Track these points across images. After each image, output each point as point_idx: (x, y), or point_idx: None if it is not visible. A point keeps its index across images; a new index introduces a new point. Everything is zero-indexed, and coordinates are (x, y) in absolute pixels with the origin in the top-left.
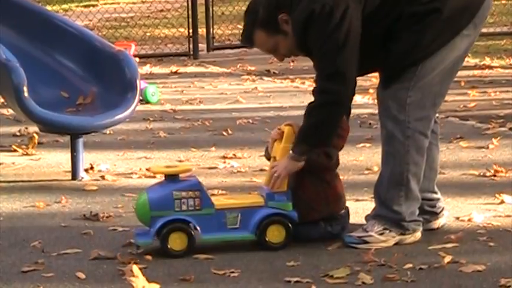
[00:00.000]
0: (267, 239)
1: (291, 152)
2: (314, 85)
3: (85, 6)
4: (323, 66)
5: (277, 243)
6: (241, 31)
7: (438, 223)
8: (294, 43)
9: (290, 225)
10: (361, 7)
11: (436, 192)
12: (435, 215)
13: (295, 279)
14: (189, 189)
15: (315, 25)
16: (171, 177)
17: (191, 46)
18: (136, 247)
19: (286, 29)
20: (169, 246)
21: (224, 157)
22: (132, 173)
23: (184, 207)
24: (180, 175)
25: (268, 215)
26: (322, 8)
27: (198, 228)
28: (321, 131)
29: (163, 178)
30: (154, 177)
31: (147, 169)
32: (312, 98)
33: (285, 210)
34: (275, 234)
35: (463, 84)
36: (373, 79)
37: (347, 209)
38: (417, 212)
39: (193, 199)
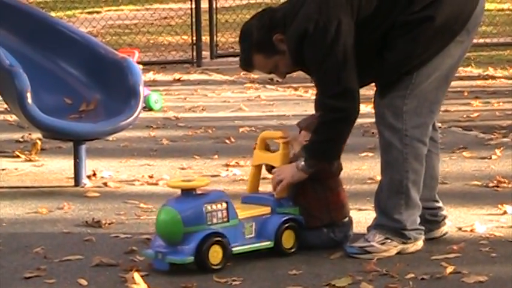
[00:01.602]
0: (282, 245)
1: (301, 163)
2: (320, 101)
3: (89, 13)
4: (327, 85)
5: (289, 248)
6: (239, 56)
7: (440, 232)
8: (290, 60)
9: (300, 229)
10: (353, 20)
11: (437, 201)
12: (437, 223)
13: None
14: (217, 201)
15: (311, 44)
16: (188, 191)
17: (194, 53)
18: (166, 265)
19: (283, 48)
20: (209, 261)
21: (227, 165)
22: (134, 180)
23: (214, 220)
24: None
25: (284, 221)
26: (315, 26)
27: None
28: (331, 147)
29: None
30: (156, 184)
31: (149, 176)
32: (312, 108)
33: (294, 215)
34: (287, 239)
35: (466, 94)
36: None
37: (350, 217)
38: (418, 220)
39: (221, 211)
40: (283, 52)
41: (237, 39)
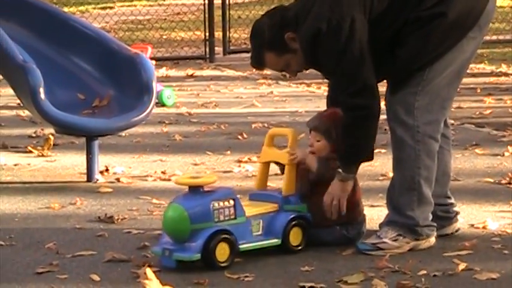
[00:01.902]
0: (289, 243)
1: (341, 174)
2: (341, 101)
3: (102, 8)
4: (347, 83)
5: (296, 245)
6: (250, 55)
7: (452, 228)
8: (303, 58)
9: (307, 226)
10: (366, 17)
11: (449, 197)
12: (449, 220)
13: (310, 284)
14: (225, 199)
15: (325, 43)
16: (196, 188)
17: (207, 49)
18: (173, 262)
19: (295, 46)
20: (216, 258)
21: (239, 161)
22: (147, 176)
23: (222, 218)
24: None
25: (292, 219)
26: (328, 25)
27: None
28: (363, 146)
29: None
30: (169, 180)
31: (162, 172)
32: (324, 104)
33: (302, 212)
34: (295, 236)
35: (479, 91)
36: None
37: (364, 215)
38: (430, 217)
39: (228, 208)
40: (294, 51)
41: (251, 30)
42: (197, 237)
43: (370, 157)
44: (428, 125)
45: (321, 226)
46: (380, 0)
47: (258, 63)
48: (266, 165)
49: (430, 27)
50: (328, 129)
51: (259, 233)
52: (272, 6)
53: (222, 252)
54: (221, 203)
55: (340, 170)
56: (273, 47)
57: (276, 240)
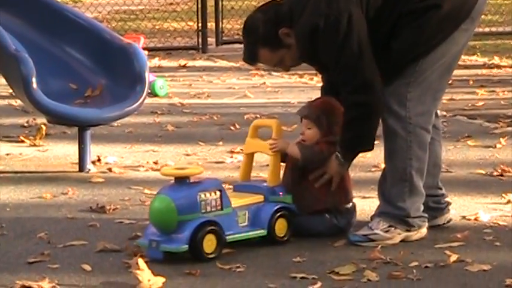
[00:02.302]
0: (275, 233)
1: (340, 159)
2: (343, 98)
3: None
4: (347, 79)
5: (282, 236)
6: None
7: (444, 219)
8: (298, 54)
9: (292, 217)
10: (363, 12)
11: (440, 188)
12: (441, 210)
13: (301, 275)
14: (211, 190)
15: (324, 39)
16: (182, 179)
17: (200, 40)
18: (161, 253)
19: (289, 42)
20: (204, 250)
21: (231, 152)
22: (139, 166)
23: (208, 209)
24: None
25: (277, 210)
26: (326, 20)
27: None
28: (364, 139)
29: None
30: (160, 170)
31: (154, 162)
32: (317, 95)
33: (287, 203)
34: (280, 227)
35: (471, 83)
36: None
37: (354, 204)
38: (422, 207)
39: (214, 199)
40: (289, 46)
41: (243, 25)
42: (184, 228)
43: (370, 148)
44: (420, 116)
45: (311, 211)
46: None
47: (251, 59)
48: (250, 156)
49: (424, 19)
50: (318, 117)
51: (245, 224)
52: None
53: (210, 243)
54: (208, 194)
55: (338, 155)
56: (267, 43)
57: (261, 231)
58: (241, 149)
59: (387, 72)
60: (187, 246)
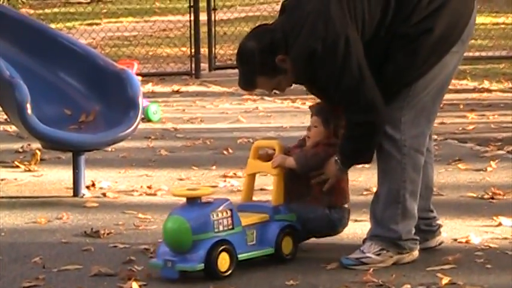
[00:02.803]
0: (282, 251)
1: (339, 165)
2: (346, 117)
3: (89, 25)
4: (350, 101)
5: (288, 254)
6: (238, 78)
7: (435, 241)
8: (294, 77)
9: (297, 235)
10: (359, 35)
11: (432, 211)
12: (432, 233)
13: None
14: (223, 209)
15: (322, 62)
16: (193, 200)
17: (193, 65)
18: (176, 273)
19: (286, 67)
20: (218, 268)
21: (224, 176)
22: (133, 191)
23: (221, 228)
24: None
25: (283, 228)
26: (324, 44)
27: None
28: (364, 153)
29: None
30: (154, 195)
31: (148, 187)
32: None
33: (292, 221)
34: (286, 245)
35: (462, 107)
36: None
37: (349, 206)
38: (413, 230)
39: (226, 219)
40: (285, 71)
41: (235, 51)
42: (199, 247)
43: (369, 160)
44: (414, 139)
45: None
46: (370, 17)
47: (249, 86)
48: (252, 177)
49: (417, 43)
50: (327, 118)
51: (253, 242)
52: (257, 23)
53: (223, 262)
54: (220, 214)
55: (338, 161)
56: (264, 71)
57: (269, 249)
58: (234, 173)
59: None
60: (203, 265)
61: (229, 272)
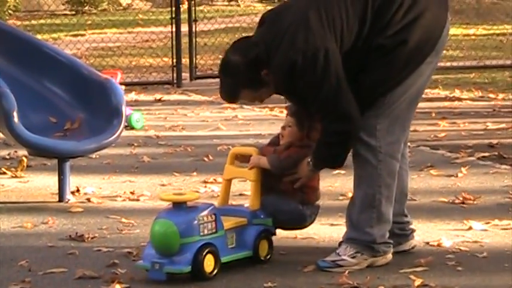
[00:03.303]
0: (259, 254)
1: (311, 166)
2: (323, 125)
3: (74, 36)
4: (327, 111)
5: (265, 256)
6: (219, 88)
7: (409, 245)
8: (275, 87)
9: (272, 239)
10: (338, 47)
11: (406, 216)
12: (405, 237)
13: None
14: (207, 214)
15: (302, 74)
16: (179, 204)
17: (175, 75)
18: (164, 275)
19: (268, 80)
20: (204, 270)
21: (205, 182)
22: (116, 196)
23: (206, 231)
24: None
25: (261, 232)
26: (304, 57)
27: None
28: (337, 158)
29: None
30: (137, 200)
31: (131, 192)
32: None
33: (268, 226)
34: (263, 248)
35: (433, 115)
36: None
37: (319, 203)
38: (387, 234)
39: (211, 223)
40: (268, 83)
41: (216, 61)
42: (186, 250)
43: (340, 165)
44: (389, 146)
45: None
46: (348, 29)
47: (232, 98)
48: (229, 182)
49: (393, 55)
50: (302, 120)
51: (233, 245)
52: (237, 34)
53: (209, 264)
54: (205, 218)
55: (310, 163)
56: (249, 85)
57: (248, 252)
58: (215, 179)
59: (357, 105)
60: (190, 267)
61: (214, 273)
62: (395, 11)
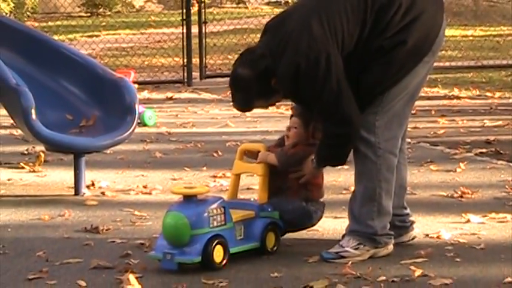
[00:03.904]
0: (266, 245)
1: (314, 164)
2: (323, 126)
3: (89, 36)
4: (328, 114)
5: (272, 247)
6: (232, 98)
7: (409, 236)
8: (283, 94)
9: (279, 231)
10: (339, 51)
11: (405, 208)
12: (405, 229)
13: None
14: (217, 206)
15: (305, 77)
16: (190, 197)
17: (185, 74)
18: (175, 265)
19: (278, 87)
20: (214, 260)
21: (214, 176)
22: (130, 190)
23: (215, 223)
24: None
25: (268, 224)
26: (307, 61)
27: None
28: (339, 158)
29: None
30: (149, 193)
31: (143, 186)
32: None
33: (275, 219)
34: (270, 240)
35: (433, 112)
36: None
37: (323, 201)
38: (388, 226)
39: (220, 215)
40: (278, 90)
41: (224, 61)
42: (196, 241)
43: (343, 163)
44: (388, 142)
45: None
46: (349, 34)
47: (246, 109)
48: (238, 177)
49: (391, 55)
50: (307, 121)
51: (242, 237)
52: (244, 35)
53: (218, 254)
54: (214, 211)
55: (314, 161)
56: (262, 95)
57: (256, 243)
58: (223, 174)
59: (357, 103)
60: (200, 257)
61: (223, 263)
62: (394, 13)
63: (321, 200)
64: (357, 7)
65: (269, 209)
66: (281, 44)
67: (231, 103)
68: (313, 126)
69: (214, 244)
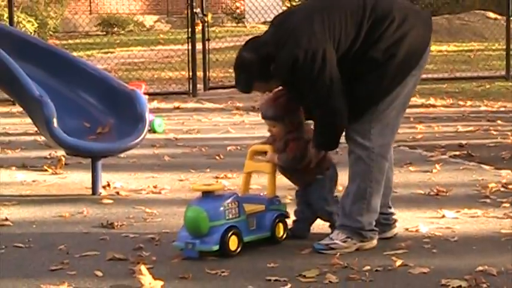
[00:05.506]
0: (276, 235)
1: (314, 149)
2: (316, 114)
3: (104, 53)
4: (319, 104)
5: (280, 237)
6: (235, 81)
7: (392, 233)
8: (280, 81)
9: (286, 222)
10: (334, 49)
11: (390, 207)
12: (389, 226)
13: (274, 278)
14: (232, 201)
15: (302, 69)
16: (208, 193)
17: (191, 86)
18: (196, 253)
19: (274, 73)
20: (230, 248)
21: (217, 177)
22: (141, 190)
23: (230, 216)
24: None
25: (277, 216)
26: (305, 54)
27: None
28: (331, 143)
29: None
30: (159, 193)
31: (154, 186)
32: None
33: (283, 211)
34: (279, 230)
35: (412, 119)
36: None
37: (333, 165)
38: (374, 223)
39: (234, 208)
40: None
41: (226, 74)
42: (213, 232)
43: (334, 148)
44: (381, 147)
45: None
46: (345, 37)
47: (246, 90)
48: (249, 175)
49: (384, 67)
50: (282, 117)
51: (254, 228)
52: None
53: (233, 243)
54: (230, 205)
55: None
56: (262, 78)
57: (267, 233)
58: (225, 175)
59: (353, 112)
60: (218, 246)
61: (238, 251)
62: (387, 26)
63: (329, 167)
64: (355, 13)
65: (277, 203)
66: (284, 36)
67: (235, 85)
68: (290, 119)
69: (230, 234)
